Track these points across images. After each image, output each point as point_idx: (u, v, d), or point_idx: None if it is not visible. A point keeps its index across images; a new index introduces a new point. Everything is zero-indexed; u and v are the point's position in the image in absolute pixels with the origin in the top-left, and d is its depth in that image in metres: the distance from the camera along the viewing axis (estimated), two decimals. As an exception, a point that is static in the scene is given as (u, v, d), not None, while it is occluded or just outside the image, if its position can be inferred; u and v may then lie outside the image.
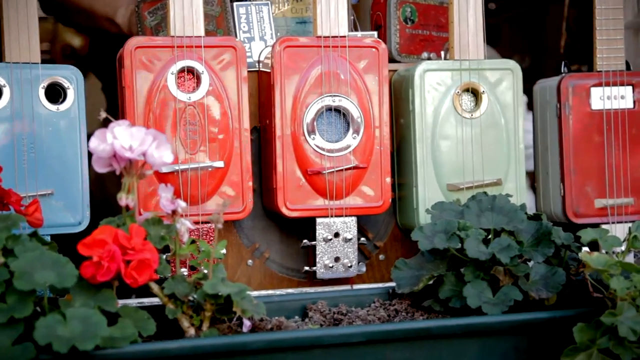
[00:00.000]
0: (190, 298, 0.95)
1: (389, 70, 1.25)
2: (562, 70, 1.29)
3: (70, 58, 2.69)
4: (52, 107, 1.11)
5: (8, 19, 1.09)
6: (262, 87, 1.22)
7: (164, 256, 0.99)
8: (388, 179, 1.20)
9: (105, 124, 0.92)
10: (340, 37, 1.18)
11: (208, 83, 1.15)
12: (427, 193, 1.21)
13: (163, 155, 0.92)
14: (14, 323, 0.84)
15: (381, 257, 1.28)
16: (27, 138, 1.10)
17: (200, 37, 1.14)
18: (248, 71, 1.20)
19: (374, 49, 1.20)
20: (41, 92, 1.11)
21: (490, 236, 1.03)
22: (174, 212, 0.96)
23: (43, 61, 1.12)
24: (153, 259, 0.90)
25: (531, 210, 1.38)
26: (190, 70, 1.15)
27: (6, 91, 1.09)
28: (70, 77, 1.13)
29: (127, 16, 1.51)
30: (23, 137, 1.10)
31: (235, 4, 1.26)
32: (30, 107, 1.10)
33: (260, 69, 1.23)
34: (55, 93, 1.13)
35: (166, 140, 0.93)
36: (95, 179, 1.23)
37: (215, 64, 1.15)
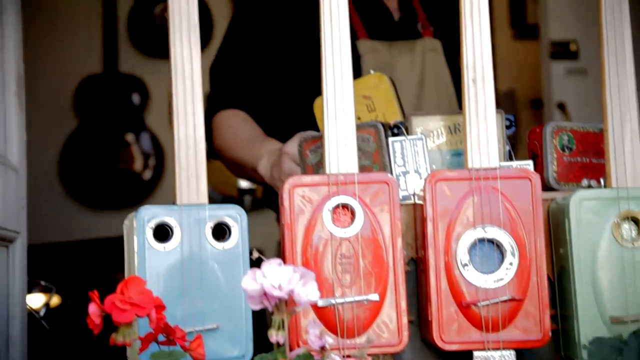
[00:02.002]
0: None
1: (547, 199, 1.24)
2: None
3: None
4: (218, 246, 1.19)
5: (179, 165, 1.20)
6: (417, 219, 1.25)
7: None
8: (547, 312, 1.18)
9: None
10: (492, 169, 1.19)
11: (362, 218, 1.19)
12: (589, 326, 1.16)
13: (309, 294, 0.96)
14: None
15: (546, 391, 1.24)
16: (195, 275, 1.18)
17: (354, 174, 1.19)
18: (404, 204, 1.23)
19: (526, 180, 1.20)
20: (208, 232, 1.19)
21: (652, 374, 0.98)
22: (323, 348, 0.99)
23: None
24: (301, 395, 0.93)
25: None
26: (345, 206, 1.19)
27: (177, 232, 1.18)
28: (235, 217, 1.21)
29: (268, 167, 1.60)
30: (191, 275, 1.18)
31: (390, 139, 1.31)
32: (198, 246, 1.18)
33: (415, 202, 1.26)
34: (220, 231, 1.21)
35: (314, 278, 0.97)
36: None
37: (369, 199, 1.20)
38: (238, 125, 1.80)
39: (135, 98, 4.48)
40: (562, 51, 3.74)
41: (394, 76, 1.86)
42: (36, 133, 4.25)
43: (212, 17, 4.59)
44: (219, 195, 4.50)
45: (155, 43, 4.39)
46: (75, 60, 4.53)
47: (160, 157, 4.45)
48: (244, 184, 4.14)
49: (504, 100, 4.82)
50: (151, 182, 4.50)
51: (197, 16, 1.17)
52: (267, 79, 1.85)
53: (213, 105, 1.85)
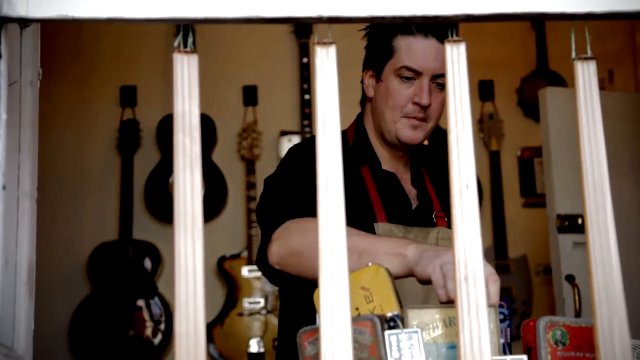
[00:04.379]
0: None
1: (542, 394, 1.26)
2: None
3: None
4: None
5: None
6: (413, 414, 1.26)
7: None
8: None
9: None
10: (485, 366, 1.22)
11: (357, 414, 1.20)
12: None
13: None
14: None
15: None
16: None
17: (349, 370, 1.22)
18: (400, 398, 1.25)
19: (519, 377, 1.22)
20: None
21: None
22: None
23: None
24: None
25: None
26: (340, 402, 1.21)
27: None
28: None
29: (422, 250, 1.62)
30: None
31: (386, 332, 1.34)
32: None
33: (411, 396, 1.27)
34: None
35: None
36: None
37: (364, 395, 1.22)
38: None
39: (147, 263, 4.55)
40: (569, 225, 3.80)
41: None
42: (48, 299, 4.30)
43: (225, 181, 4.73)
44: (228, 361, 4.48)
45: (169, 209, 4.51)
46: (91, 228, 4.64)
47: (171, 321, 4.47)
48: (253, 349, 4.13)
49: (516, 267, 4.85)
50: (161, 346, 4.50)
51: (202, 218, 1.23)
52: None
53: (276, 220, 1.87)
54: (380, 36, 2.05)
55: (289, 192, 1.91)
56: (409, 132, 2.02)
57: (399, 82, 2.00)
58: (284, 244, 1.81)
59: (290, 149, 2.08)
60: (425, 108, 1.99)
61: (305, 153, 1.98)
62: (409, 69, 1.98)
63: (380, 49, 2.04)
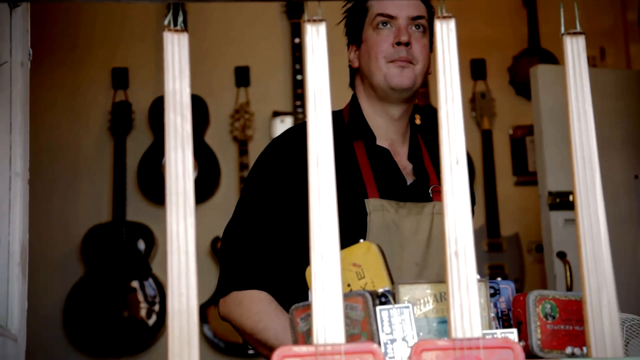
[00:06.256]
0: None
1: (532, 367, 1.28)
2: None
3: None
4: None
5: (172, 336, 1.24)
6: (405, 388, 1.27)
7: None
8: None
9: None
10: (475, 339, 1.23)
11: (350, 388, 1.22)
12: None
13: None
14: None
15: None
16: None
17: (341, 344, 1.23)
18: (392, 372, 1.26)
19: (509, 350, 1.23)
20: (199, 401, 1.22)
21: None
22: None
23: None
24: None
25: None
26: (333, 376, 1.22)
27: (168, 402, 1.21)
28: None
29: None
30: None
31: (378, 308, 1.35)
32: (188, 415, 1.21)
33: (403, 370, 1.29)
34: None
35: None
36: None
37: (356, 369, 1.23)
38: (267, 310, 1.90)
39: (141, 245, 4.56)
40: (561, 202, 3.82)
41: (400, 234, 1.95)
42: (43, 281, 4.31)
43: (218, 162, 4.73)
44: (222, 342, 4.50)
45: (162, 191, 4.51)
46: (84, 210, 4.64)
47: (165, 302, 4.48)
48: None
49: (509, 245, 4.87)
50: (155, 327, 4.51)
51: (193, 196, 1.24)
52: (280, 247, 1.96)
53: (233, 282, 1.96)
54: (356, 3, 2.12)
55: (251, 232, 1.98)
56: (397, 75, 2.04)
57: (377, 32, 2.07)
58: (227, 315, 1.97)
59: (268, 146, 2.12)
60: (407, 46, 2.02)
61: (278, 155, 2.04)
62: (382, 15, 2.06)
63: (356, 13, 2.13)
